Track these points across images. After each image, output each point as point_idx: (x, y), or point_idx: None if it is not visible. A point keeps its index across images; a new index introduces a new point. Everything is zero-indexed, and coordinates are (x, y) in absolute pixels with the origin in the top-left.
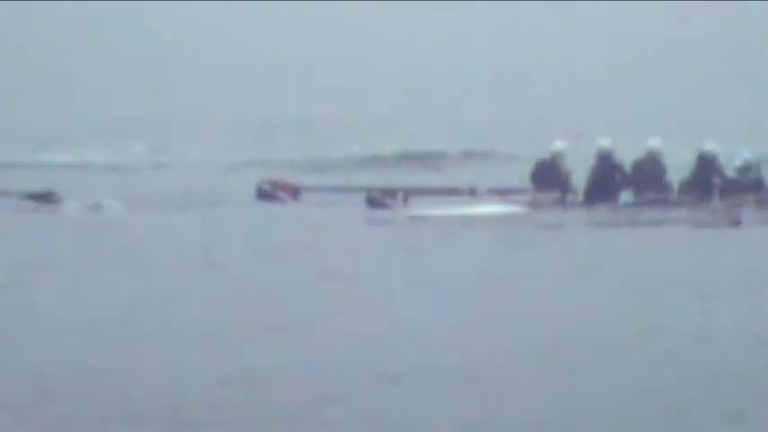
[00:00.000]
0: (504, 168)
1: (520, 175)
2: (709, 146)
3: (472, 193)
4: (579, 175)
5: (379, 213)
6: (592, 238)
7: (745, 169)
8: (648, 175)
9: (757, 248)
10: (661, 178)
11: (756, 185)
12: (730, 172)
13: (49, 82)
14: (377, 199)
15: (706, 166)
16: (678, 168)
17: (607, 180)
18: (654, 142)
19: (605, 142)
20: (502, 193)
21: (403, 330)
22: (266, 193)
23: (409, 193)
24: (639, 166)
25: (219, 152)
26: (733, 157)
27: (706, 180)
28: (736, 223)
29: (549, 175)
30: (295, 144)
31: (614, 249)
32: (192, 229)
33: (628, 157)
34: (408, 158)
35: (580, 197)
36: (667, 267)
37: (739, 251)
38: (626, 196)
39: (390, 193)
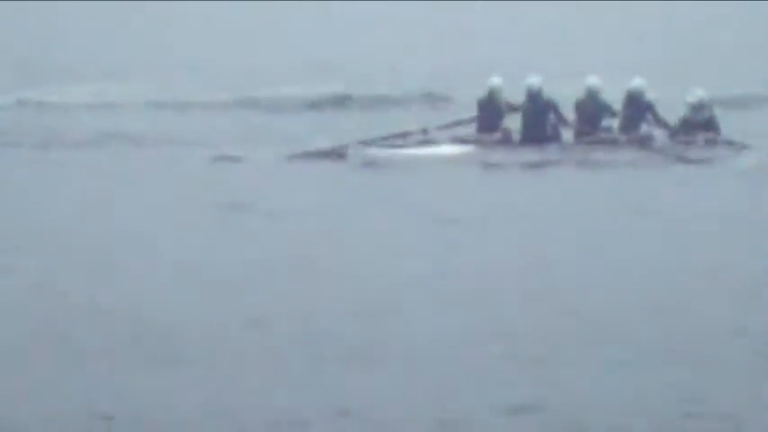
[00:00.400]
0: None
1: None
2: (637, 82)
3: (424, 133)
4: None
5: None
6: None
7: (698, 107)
8: (588, 114)
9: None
10: (600, 117)
11: (708, 124)
12: (683, 110)
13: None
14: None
15: (635, 104)
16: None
17: (539, 120)
18: (591, 80)
19: (534, 80)
20: (451, 128)
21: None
22: None
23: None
24: (579, 105)
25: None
26: (686, 94)
27: (637, 118)
28: (684, 161)
29: (489, 113)
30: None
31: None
32: None
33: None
34: (354, 101)
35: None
36: (560, 208)
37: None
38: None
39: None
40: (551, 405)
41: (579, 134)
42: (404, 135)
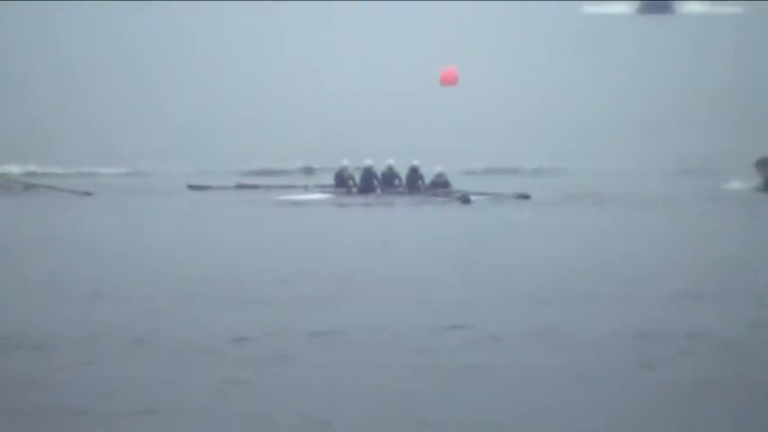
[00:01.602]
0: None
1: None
2: (415, 162)
3: (306, 188)
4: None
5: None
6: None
7: (439, 175)
8: (388, 179)
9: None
10: (394, 181)
11: (445, 185)
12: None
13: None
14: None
15: (413, 175)
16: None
17: (368, 182)
18: (389, 161)
19: (368, 162)
20: (321, 187)
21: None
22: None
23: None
24: (384, 175)
25: None
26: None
27: (413, 182)
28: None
29: (341, 178)
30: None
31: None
32: None
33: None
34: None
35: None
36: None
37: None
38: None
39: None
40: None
41: (385, 188)
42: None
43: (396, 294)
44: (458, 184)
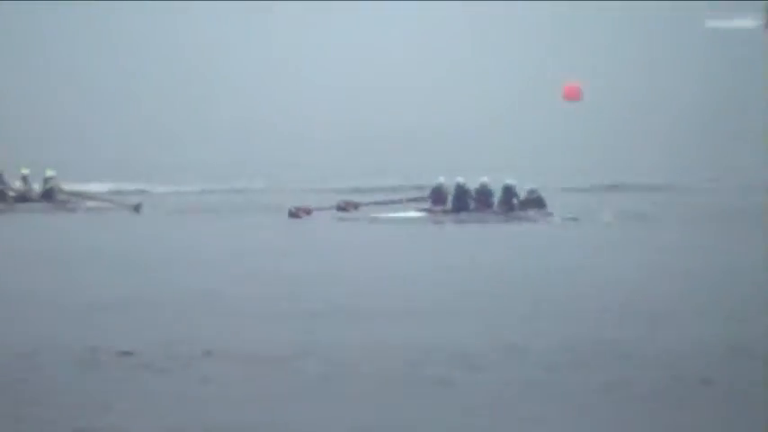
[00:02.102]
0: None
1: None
2: (509, 181)
3: (401, 202)
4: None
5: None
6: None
7: (531, 192)
8: (483, 197)
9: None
10: (489, 200)
11: (538, 200)
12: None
13: None
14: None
15: (507, 193)
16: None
17: (461, 200)
18: (483, 179)
19: (459, 180)
20: (416, 202)
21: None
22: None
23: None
24: (477, 192)
25: None
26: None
27: (507, 201)
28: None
29: (438, 196)
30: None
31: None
32: None
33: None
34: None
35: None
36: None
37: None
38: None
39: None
40: None
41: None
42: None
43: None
44: (562, 201)
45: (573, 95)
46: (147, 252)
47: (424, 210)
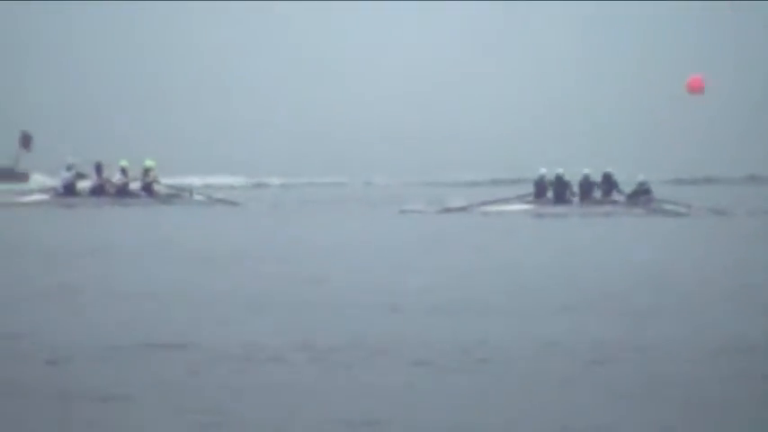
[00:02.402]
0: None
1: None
2: (609, 170)
3: (507, 200)
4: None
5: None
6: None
7: (641, 184)
8: (586, 188)
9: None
10: (606, 190)
11: (647, 192)
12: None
13: None
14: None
15: (608, 182)
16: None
17: (561, 191)
18: (585, 171)
19: (560, 171)
20: (523, 198)
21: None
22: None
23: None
24: (581, 184)
25: None
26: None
27: (608, 191)
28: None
29: (541, 188)
30: None
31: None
32: None
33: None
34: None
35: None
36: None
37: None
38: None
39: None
40: None
41: (582, 199)
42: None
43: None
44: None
45: (695, 88)
46: (314, 247)
47: (529, 202)
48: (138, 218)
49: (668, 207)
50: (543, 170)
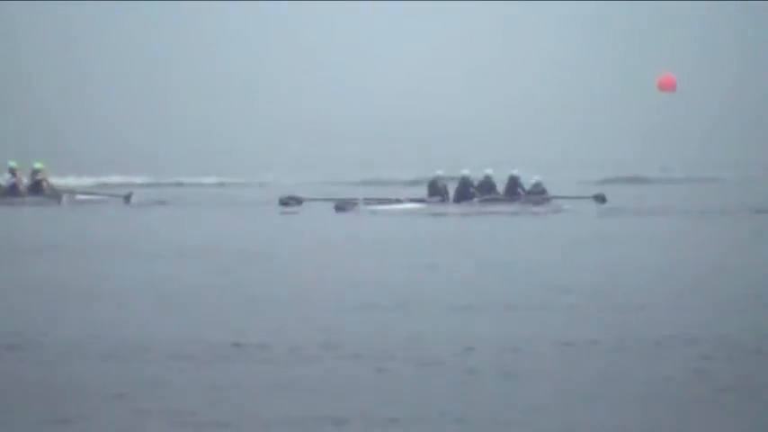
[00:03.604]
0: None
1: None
2: (515, 171)
3: (398, 200)
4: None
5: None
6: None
7: (536, 185)
8: (485, 188)
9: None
10: (494, 190)
11: (542, 193)
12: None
13: None
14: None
15: (513, 183)
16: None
17: (464, 191)
18: (487, 171)
19: (464, 172)
20: (413, 199)
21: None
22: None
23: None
24: (481, 184)
25: None
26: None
27: (513, 191)
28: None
29: (435, 188)
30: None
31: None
32: None
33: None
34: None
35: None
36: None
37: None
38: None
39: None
40: None
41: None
42: (387, 199)
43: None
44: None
45: (667, 86)
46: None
47: (423, 202)
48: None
49: (567, 206)
50: (440, 172)
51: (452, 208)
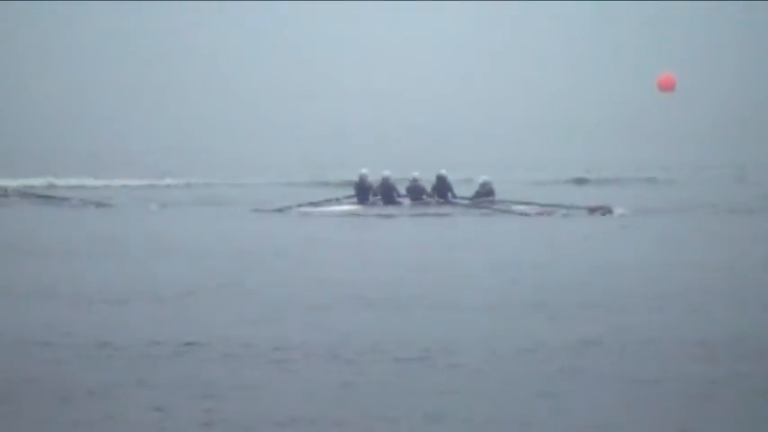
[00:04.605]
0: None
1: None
2: (442, 171)
3: (337, 201)
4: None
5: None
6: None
7: (484, 185)
8: (438, 190)
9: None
10: (448, 192)
11: (490, 194)
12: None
13: None
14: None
15: (442, 184)
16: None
17: (388, 193)
18: (414, 174)
19: (385, 173)
20: (349, 199)
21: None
22: None
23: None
24: (409, 188)
25: None
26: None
27: (442, 193)
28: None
29: (362, 188)
30: None
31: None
32: None
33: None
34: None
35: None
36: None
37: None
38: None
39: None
40: None
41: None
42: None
43: None
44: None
45: (667, 86)
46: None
47: (353, 204)
48: None
49: (516, 208)
50: (365, 170)
51: (385, 210)
